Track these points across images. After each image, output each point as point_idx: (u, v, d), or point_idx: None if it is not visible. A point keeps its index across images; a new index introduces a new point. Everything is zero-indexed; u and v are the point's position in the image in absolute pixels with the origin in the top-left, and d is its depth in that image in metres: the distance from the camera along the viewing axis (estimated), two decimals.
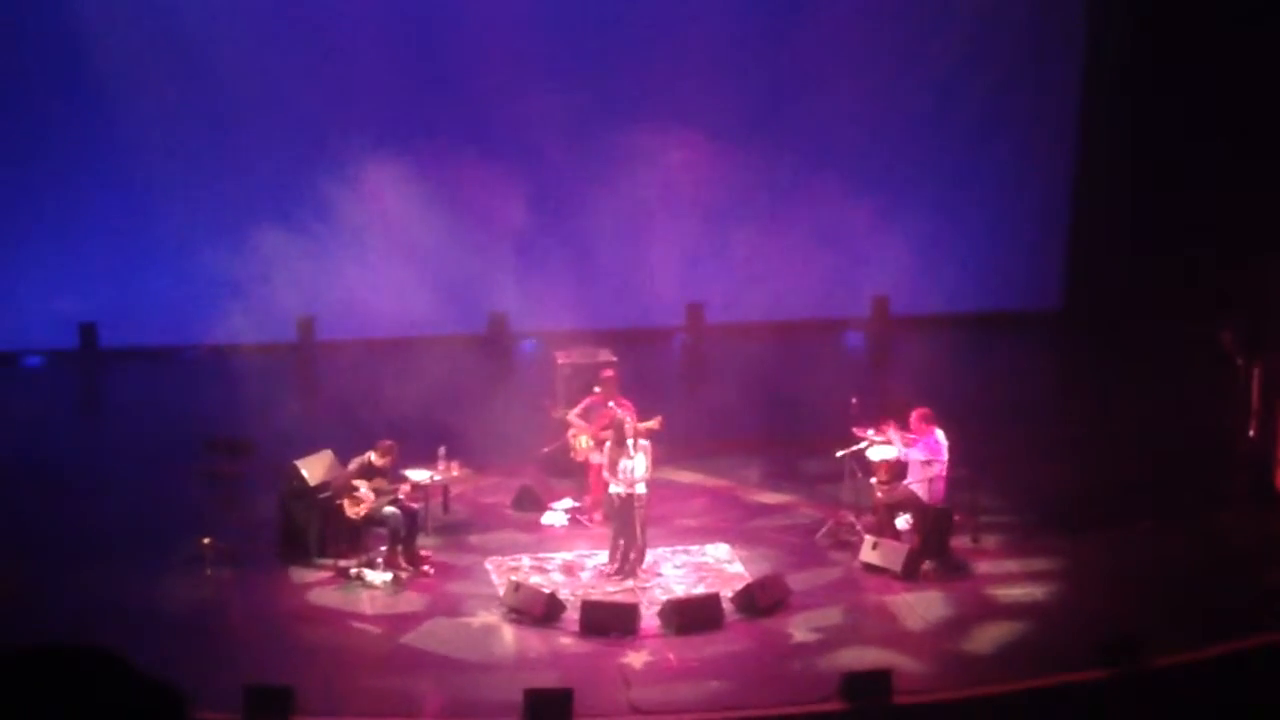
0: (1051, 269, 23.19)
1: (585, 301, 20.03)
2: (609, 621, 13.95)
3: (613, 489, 15.21)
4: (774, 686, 13.11)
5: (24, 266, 20.72)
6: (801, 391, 18.58)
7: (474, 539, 16.12)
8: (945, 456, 15.15)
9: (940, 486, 15.17)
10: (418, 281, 19.43)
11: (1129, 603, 14.43)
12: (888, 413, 15.75)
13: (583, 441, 16.55)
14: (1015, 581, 15.05)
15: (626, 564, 15.08)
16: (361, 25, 20.71)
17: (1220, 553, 15.67)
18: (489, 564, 15.46)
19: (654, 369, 19.86)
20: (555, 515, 16.53)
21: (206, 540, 15.01)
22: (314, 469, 15.52)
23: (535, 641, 13.91)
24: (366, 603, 14.63)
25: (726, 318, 21.86)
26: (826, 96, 21.53)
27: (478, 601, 14.65)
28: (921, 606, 14.51)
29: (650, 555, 15.32)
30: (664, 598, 14.51)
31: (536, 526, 16.40)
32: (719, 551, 15.79)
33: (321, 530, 15.36)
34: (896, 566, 14.95)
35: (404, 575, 15.03)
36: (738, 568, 15.41)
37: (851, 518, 15.92)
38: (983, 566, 15.36)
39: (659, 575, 15.21)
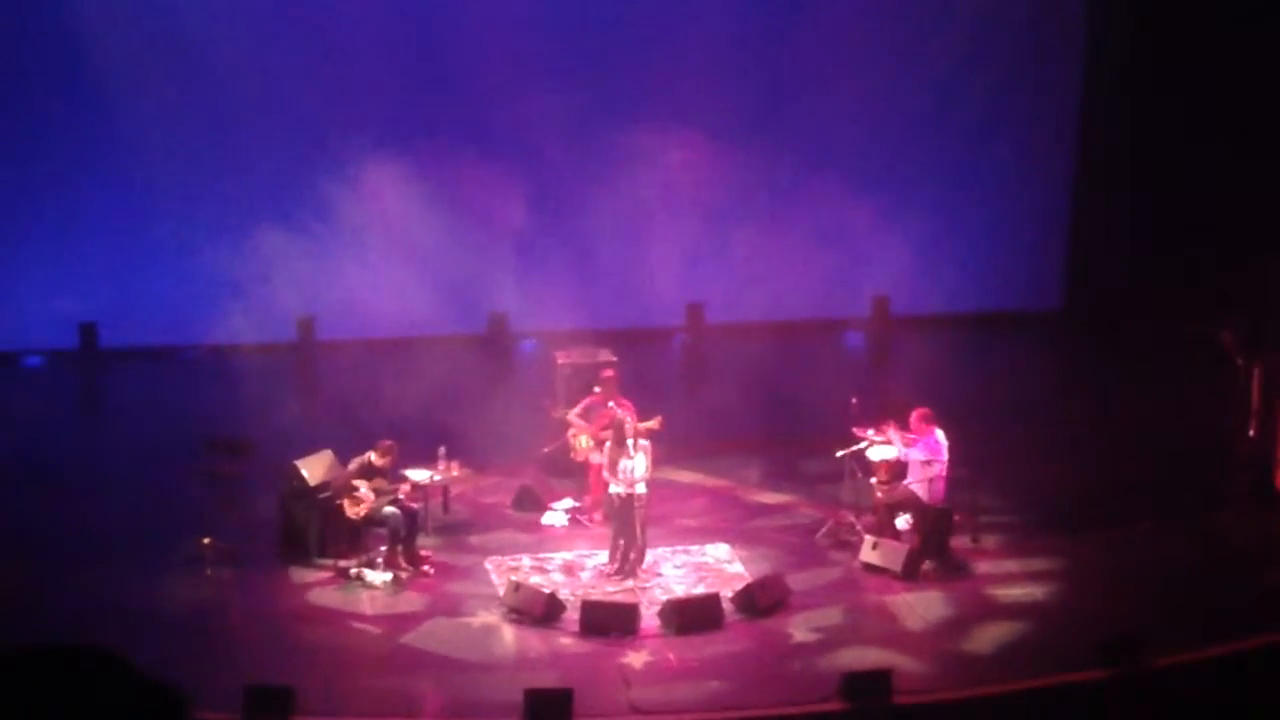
0: (1051, 269, 23.19)
1: (585, 301, 20.03)
2: (609, 621, 13.95)
3: (613, 489, 15.21)
4: (774, 686, 13.10)
5: (24, 266, 20.72)
6: (801, 391, 18.58)
7: (474, 539, 16.11)
8: (945, 456, 15.15)
9: (940, 486, 15.16)
10: (418, 281, 19.43)
11: (1129, 603, 14.42)
12: (888, 413, 15.75)
13: (583, 441, 16.55)
14: (1015, 581, 15.04)
15: (626, 564, 15.07)
16: (361, 25, 20.71)
17: (1220, 553, 15.67)
18: (489, 564, 15.46)
19: (654, 369, 19.86)
20: (555, 515, 16.52)
21: (206, 540, 15.00)
22: (314, 469, 15.51)
23: (535, 641, 13.90)
24: (366, 603, 14.63)
25: (726, 318, 21.86)
26: (826, 96, 21.53)
27: (478, 601, 14.64)
28: (921, 606, 14.50)
29: (650, 555, 15.32)
30: (664, 598, 14.50)
31: (536, 526, 16.39)
32: (719, 551, 15.79)
33: (321, 530, 15.35)
34: (896, 566, 14.95)
35: (404, 575, 15.03)
36: (738, 568, 15.41)
37: (851, 518, 15.92)
38: (983, 566, 15.36)
39: (659, 575, 15.21)
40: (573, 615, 14.11)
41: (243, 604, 14.62)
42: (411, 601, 14.68)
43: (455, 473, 16.35)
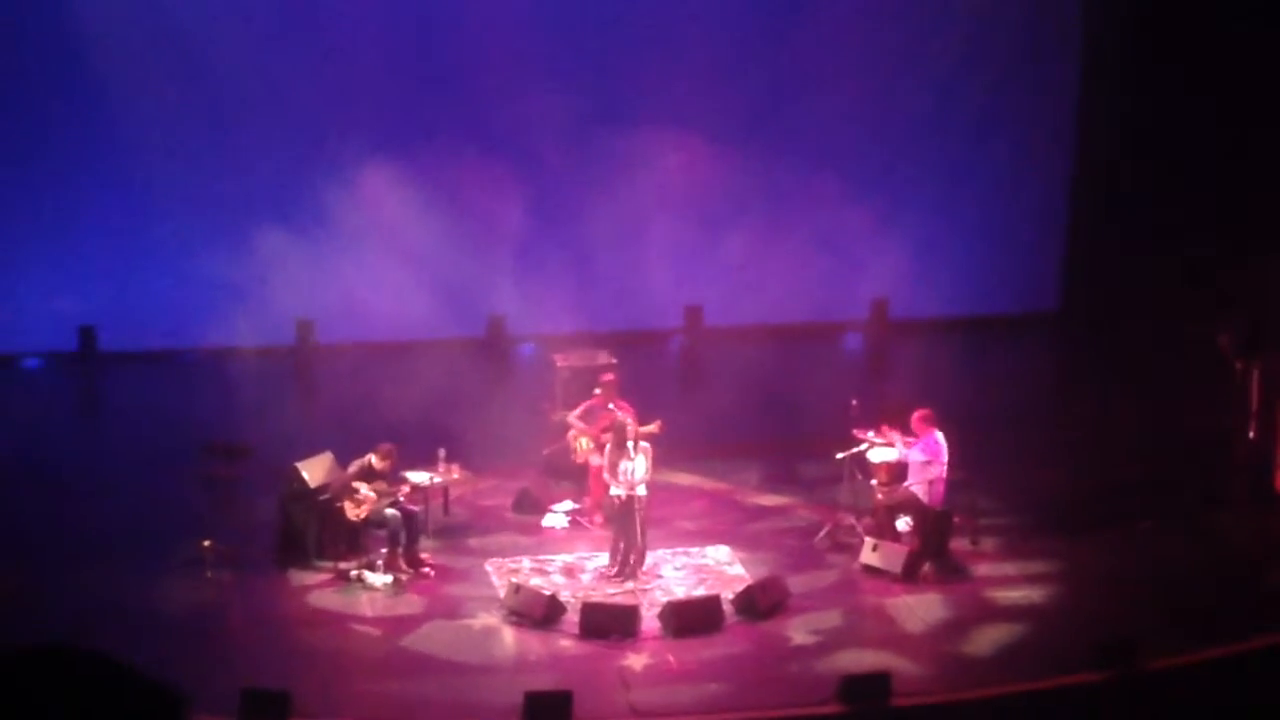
0: (1049, 269, 23.19)
1: (584, 304, 20.04)
2: (609, 624, 13.94)
3: (613, 491, 15.22)
4: (773, 689, 13.10)
5: (24, 268, 20.69)
6: (800, 394, 18.58)
7: (474, 541, 16.11)
8: (945, 458, 15.15)
9: (940, 489, 15.16)
10: (416, 284, 19.44)
11: (1128, 605, 14.43)
12: (887, 415, 15.75)
13: (583, 443, 16.55)
14: (1014, 584, 15.04)
15: (627, 566, 15.07)
16: (361, 25, 20.71)
17: (1220, 553, 15.68)
18: (489, 566, 15.46)
19: (652, 372, 19.85)
20: (555, 517, 16.52)
21: (206, 543, 14.98)
22: (314, 471, 15.51)
23: (535, 644, 13.90)
24: (366, 605, 14.62)
25: (725, 320, 21.85)
26: (825, 98, 21.53)
27: (478, 604, 14.63)
28: (921, 609, 14.50)
29: (650, 557, 15.31)
30: (664, 600, 14.50)
31: (537, 529, 16.38)
32: (719, 554, 15.79)
33: (320, 533, 15.35)
34: (896, 569, 14.94)
35: (404, 578, 15.02)
36: (738, 570, 15.41)
37: (851, 520, 15.92)
38: (982, 569, 15.35)
39: (659, 577, 15.20)
40: (573, 617, 14.11)
41: (242, 606, 14.61)
42: (411, 604, 14.67)
43: (455, 475, 16.36)
